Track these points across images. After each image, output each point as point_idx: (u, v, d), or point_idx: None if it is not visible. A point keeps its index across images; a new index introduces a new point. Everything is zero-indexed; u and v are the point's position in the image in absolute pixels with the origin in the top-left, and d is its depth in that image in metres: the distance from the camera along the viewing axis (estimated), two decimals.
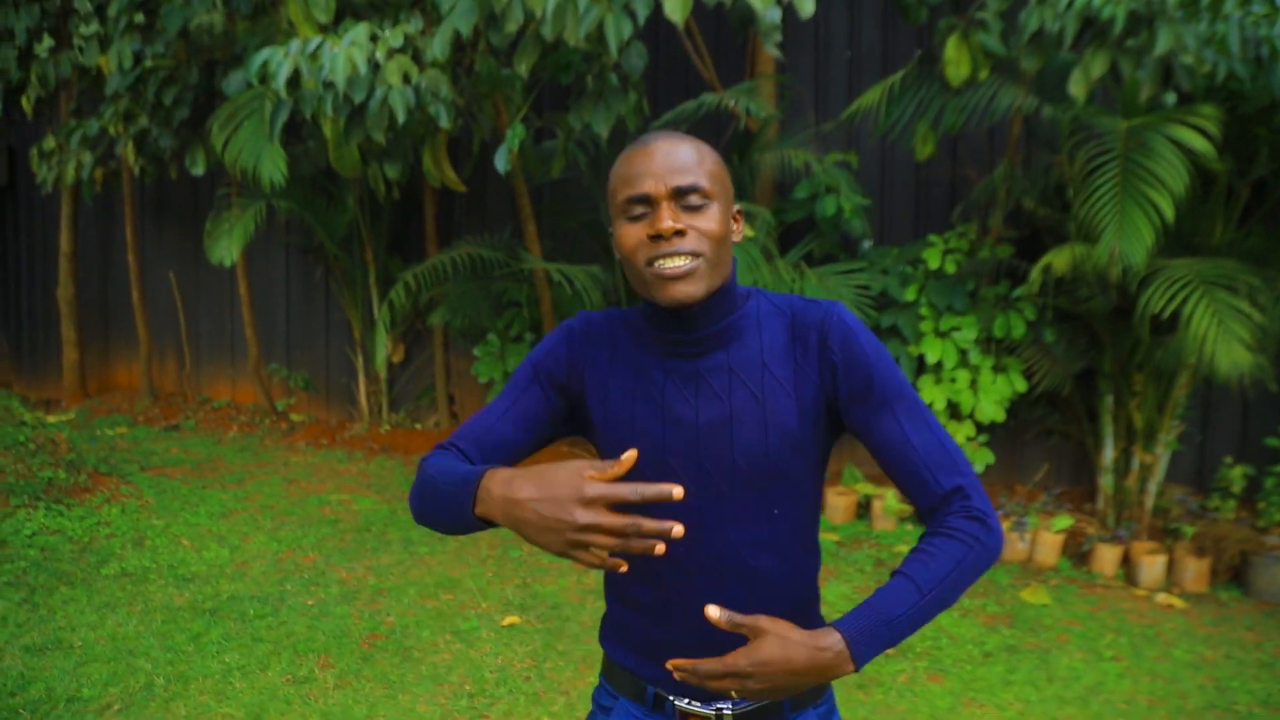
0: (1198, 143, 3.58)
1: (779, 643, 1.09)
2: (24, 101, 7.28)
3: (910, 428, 1.22)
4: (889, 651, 3.63)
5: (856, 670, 1.12)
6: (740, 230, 1.28)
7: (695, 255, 1.19)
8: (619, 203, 1.23)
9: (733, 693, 1.11)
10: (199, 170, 5.99)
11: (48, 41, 7.03)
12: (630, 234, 1.21)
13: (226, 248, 5.36)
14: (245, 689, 3.17)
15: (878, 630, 1.11)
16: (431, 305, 6.14)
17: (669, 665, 1.13)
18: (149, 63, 5.72)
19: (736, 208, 1.28)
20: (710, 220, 1.20)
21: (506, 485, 1.10)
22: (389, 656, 3.43)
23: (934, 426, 1.23)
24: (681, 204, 1.20)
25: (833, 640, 1.10)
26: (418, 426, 6.89)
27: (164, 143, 5.96)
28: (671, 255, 1.18)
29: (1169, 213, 3.71)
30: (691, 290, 1.19)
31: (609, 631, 1.38)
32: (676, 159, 1.20)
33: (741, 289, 1.30)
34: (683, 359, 1.27)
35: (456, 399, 6.84)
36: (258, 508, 5.19)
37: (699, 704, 1.29)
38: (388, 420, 6.94)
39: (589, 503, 1.03)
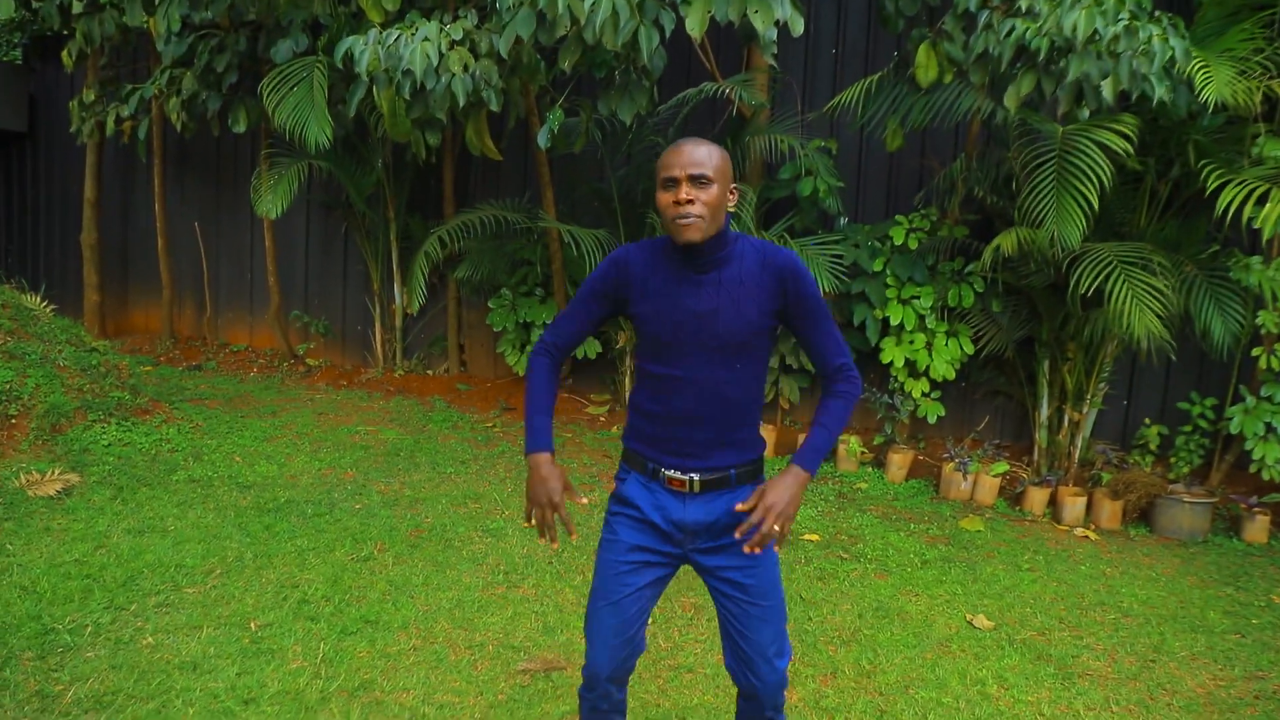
0: (1118, 144, 4.30)
1: (774, 484, 1.98)
2: (65, 55, 7.76)
3: (823, 331, 2.09)
4: (844, 555, 4.38)
5: (811, 474, 2.02)
6: (735, 200, 2.07)
7: (699, 216, 1.93)
8: (660, 179, 1.99)
9: (777, 528, 1.94)
10: (240, 129, 6.55)
11: None
12: (664, 198, 1.98)
13: (272, 202, 5.96)
14: (319, 564, 3.85)
15: (814, 456, 2.03)
16: (449, 261, 6.77)
17: (746, 548, 1.97)
18: (199, 21, 6.22)
19: (733, 186, 2.04)
20: (710, 194, 1.95)
21: (533, 472, 2.07)
22: (434, 545, 4.13)
23: (834, 329, 2.10)
24: (695, 183, 1.94)
25: (795, 468, 2.01)
26: (429, 373, 7.54)
27: (212, 104, 6.50)
28: (685, 214, 1.93)
29: (1094, 202, 4.45)
30: (694, 236, 1.95)
31: (629, 431, 2.15)
32: (696, 156, 1.95)
33: (732, 234, 2.06)
34: (693, 273, 2.03)
35: (466, 348, 7.49)
36: (295, 434, 5.84)
37: (679, 473, 2.06)
38: (401, 366, 7.58)
39: (548, 505, 2.05)
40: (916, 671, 3.32)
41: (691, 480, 2.06)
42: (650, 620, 3.53)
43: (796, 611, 3.73)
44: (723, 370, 2.02)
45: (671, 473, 2.06)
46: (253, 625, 3.26)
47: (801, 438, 5.94)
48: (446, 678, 3.02)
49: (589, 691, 2.14)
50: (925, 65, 4.76)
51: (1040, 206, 4.70)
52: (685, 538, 2.09)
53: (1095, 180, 4.44)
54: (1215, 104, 4.12)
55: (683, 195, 1.92)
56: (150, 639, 3.11)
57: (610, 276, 2.08)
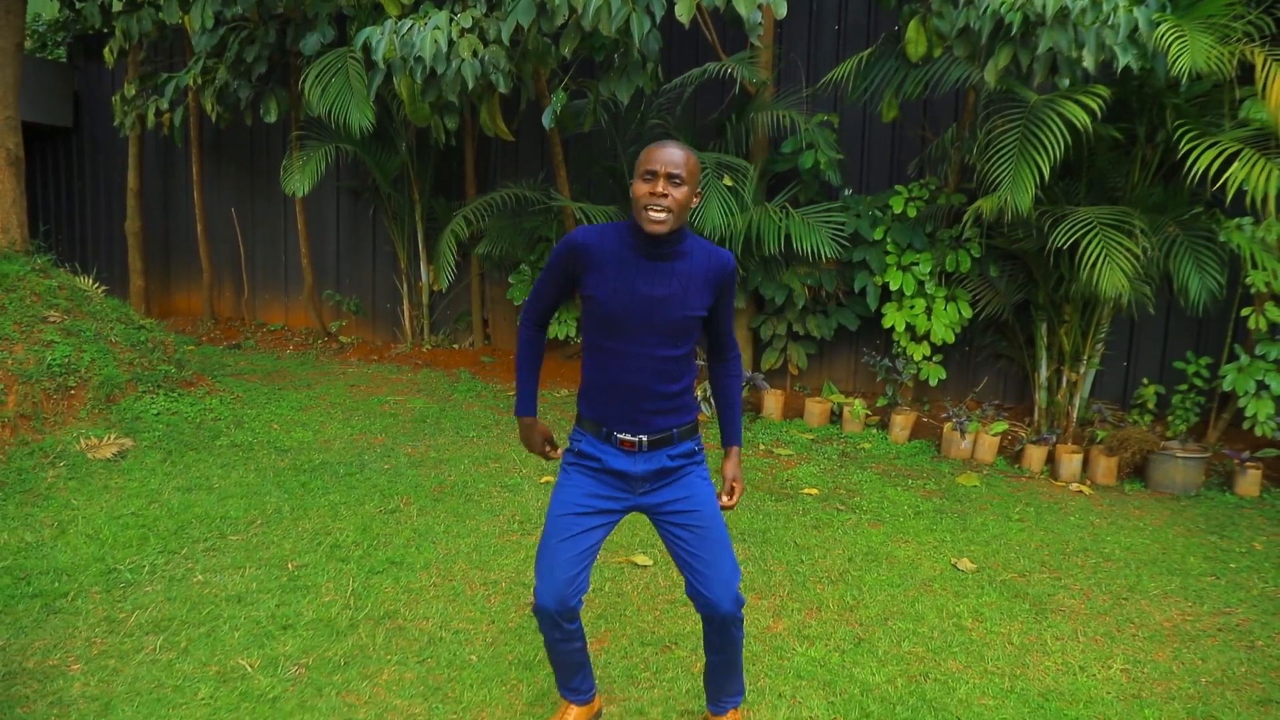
0: (1079, 116, 4.48)
1: (730, 466, 2.52)
2: (106, 52, 8.17)
3: (729, 318, 2.50)
4: (840, 507, 4.65)
5: (740, 446, 2.57)
6: (699, 203, 2.46)
7: (669, 210, 2.21)
8: (640, 170, 2.25)
9: (739, 494, 2.51)
10: (272, 118, 6.90)
11: None
12: (640, 188, 2.24)
13: (299, 182, 6.30)
14: (350, 515, 4.20)
15: (739, 432, 2.57)
16: (472, 240, 7.09)
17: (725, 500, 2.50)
18: (230, 16, 6.58)
19: (698, 190, 2.34)
20: (680, 194, 2.23)
21: (521, 429, 2.55)
22: (455, 499, 4.46)
23: (732, 317, 2.50)
24: (670, 181, 2.21)
25: (734, 449, 2.55)
26: (455, 347, 7.89)
27: (243, 94, 6.86)
28: (657, 205, 2.20)
29: (1046, 171, 4.66)
30: (661, 230, 2.22)
31: (582, 399, 2.44)
32: (675, 157, 2.22)
33: (686, 233, 2.34)
34: (650, 261, 2.30)
35: (490, 323, 7.82)
36: (328, 404, 6.20)
37: (630, 434, 2.36)
38: (429, 341, 7.94)
39: (538, 453, 2.55)
40: (897, 606, 3.59)
41: (641, 441, 2.36)
42: (651, 562, 3.84)
43: (789, 556, 4.01)
44: (666, 349, 2.31)
45: (623, 435, 2.36)
46: (290, 566, 3.62)
47: (809, 403, 6.22)
48: (462, 609, 3.35)
49: (540, 623, 2.38)
50: (915, 40, 4.95)
51: (999, 172, 4.89)
52: (635, 483, 2.39)
53: (1050, 151, 4.62)
54: (1191, 71, 4.27)
55: (659, 189, 2.19)
56: (200, 577, 3.48)
57: (563, 258, 2.35)
